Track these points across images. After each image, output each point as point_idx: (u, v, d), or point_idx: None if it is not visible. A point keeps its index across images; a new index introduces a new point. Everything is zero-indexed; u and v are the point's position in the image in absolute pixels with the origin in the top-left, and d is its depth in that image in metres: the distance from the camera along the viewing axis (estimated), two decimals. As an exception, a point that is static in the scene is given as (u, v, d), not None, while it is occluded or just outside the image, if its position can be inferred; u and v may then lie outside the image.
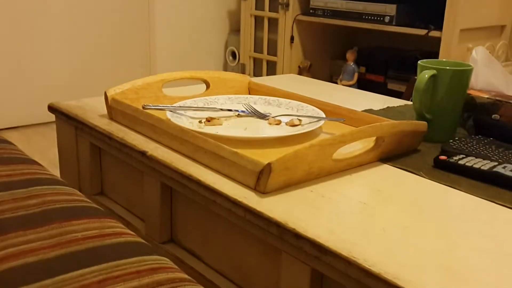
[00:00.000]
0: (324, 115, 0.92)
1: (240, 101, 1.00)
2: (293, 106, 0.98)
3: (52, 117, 1.03)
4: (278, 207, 0.62)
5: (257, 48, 2.78)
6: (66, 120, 0.98)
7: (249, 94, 1.12)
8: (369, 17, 2.29)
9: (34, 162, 0.70)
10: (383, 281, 0.49)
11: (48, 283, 0.43)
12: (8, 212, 0.54)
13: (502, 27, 2.30)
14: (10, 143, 0.77)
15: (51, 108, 1.01)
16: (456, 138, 0.84)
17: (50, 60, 2.50)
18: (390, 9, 2.21)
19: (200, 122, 0.89)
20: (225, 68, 3.10)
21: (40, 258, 0.46)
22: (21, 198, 0.57)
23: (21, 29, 2.39)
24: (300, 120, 0.90)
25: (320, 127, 0.88)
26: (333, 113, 0.94)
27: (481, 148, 0.80)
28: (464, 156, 0.77)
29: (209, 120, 0.89)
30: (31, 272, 0.44)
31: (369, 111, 1.03)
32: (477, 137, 0.85)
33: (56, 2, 2.45)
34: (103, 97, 0.95)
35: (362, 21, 2.32)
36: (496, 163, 0.74)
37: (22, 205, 0.55)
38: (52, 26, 2.47)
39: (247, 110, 0.95)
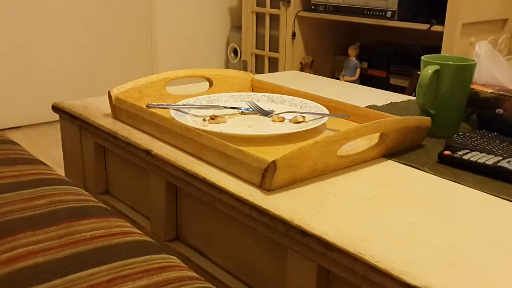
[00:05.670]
0: (327, 112, 0.92)
1: (244, 99, 1.00)
2: (297, 103, 0.98)
3: (54, 116, 1.03)
4: (284, 204, 0.62)
5: (259, 44, 2.78)
6: (70, 119, 0.98)
7: (252, 91, 1.12)
8: (371, 12, 2.29)
9: (40, 162, 0.71)
10: (389, 277, 0.49)
11: (58, 283, 0.44)
12: (17, 212, 0.54)
13: (504, 20, 2.29)
14: (16, 143, 0.78)
15: (55, 108, 1.02)
16: (460, 133, 0.84)
17: (52, 60, 2.51)
18: (392, 4, 2.21)
19: (204, 120, 0.89)
20: (227, 65, 3.10)
21: (49, 258, 0.47)
22: (29, 199, 0.58)
23: (23, 29, 2.39)
24: (303, 117, 0.90)
25: (324, 123, 0.88)
26: (336, 109, 0.94)
27: (485, 143, 0.80)
28: (468, 151, 0.77)
29: (213, 118, 0.89)
30: (41, 272, 0.45)
31: (373, 107, 1.03)
32: (481, 131, 0.85)
33: (59, 1, 2.46)
34: (106, 96, 0.96)
35: (363, 17, 2.32)
36: (500, 158, 0.74)
37: (30, 206, 0.56)
38: (54, 26, 2.47)
39: (251, 108, 0.95)
